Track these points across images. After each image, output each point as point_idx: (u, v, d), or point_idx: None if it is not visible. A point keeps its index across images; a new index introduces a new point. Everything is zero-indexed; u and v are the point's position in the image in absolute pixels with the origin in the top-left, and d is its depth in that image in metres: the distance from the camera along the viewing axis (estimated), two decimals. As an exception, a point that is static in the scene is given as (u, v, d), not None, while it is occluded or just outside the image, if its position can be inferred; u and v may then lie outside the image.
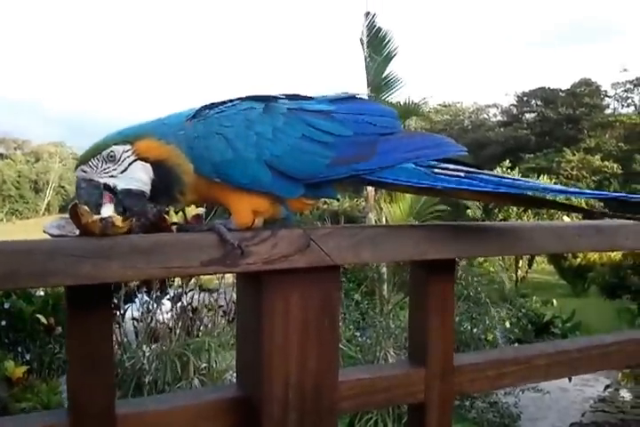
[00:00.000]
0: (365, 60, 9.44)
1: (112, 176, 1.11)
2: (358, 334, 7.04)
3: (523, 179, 1.29)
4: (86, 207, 1.04)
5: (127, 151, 1.11)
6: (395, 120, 1.26)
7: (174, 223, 1.17)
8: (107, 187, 1.11)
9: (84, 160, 1.11)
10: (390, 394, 1.32)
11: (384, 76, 9.36)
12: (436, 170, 1.23)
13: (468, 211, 21.85)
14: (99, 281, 0.99)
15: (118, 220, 1.05)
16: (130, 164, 1.11)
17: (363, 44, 9.51)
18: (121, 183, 1.11)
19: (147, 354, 5.86)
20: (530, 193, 1.28)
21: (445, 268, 1.36)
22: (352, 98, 1.28)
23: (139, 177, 1.11)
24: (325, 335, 1.20)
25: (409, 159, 1.21)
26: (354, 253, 1.19)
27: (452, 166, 1.24)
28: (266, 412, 1.15)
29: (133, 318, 6.39)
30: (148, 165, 1.12)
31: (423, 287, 1.35)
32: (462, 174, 1.22)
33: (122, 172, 1.11)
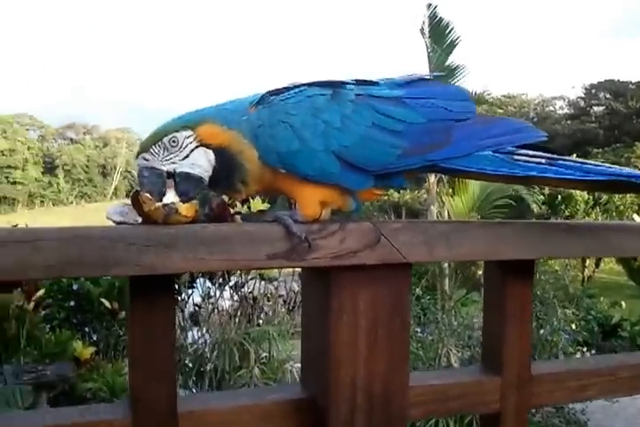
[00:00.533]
0: (427, 50, 9.25)
1: (174, 163, 1.06)
2: (419, 330, 6.91)
3: (604, 164, 1.19)
4: (148, 195, 1.00)
5: (189, 137, 1.07)
6: (470, 104, 1.18)
7: (238, 213, 1.12)
8: (169, 174, 1.06)
9: (144, 148, 1.07)
10: (463, 402, 1.24)
11: (446, 65, 9.15)
12: (516, 156, 1.14)
13: (533, 206, 21.24)
14: (160, 272, 0.95)
15: (182, 207, 1.01)
16: (192, 150, 1.07)
17: (424, 35, 9.33)
18: (182, 167, 1.06)
19: (207, 341, 5.92)
20: (620, 179, 1.17)
21: (524, 269, 1.26)
22: (422, 80, 1.19)
23: (200, 163, 1.06)
24: (396, 337, 1.13)
25: (487, 146, 1.12)
26: (427, 251, 1.11)
27: (531, 153, 1.15)
28: (332, 415, 1.09)
29: (195, 304, 6.48)
30: (210, 151, 1.07)
31: (500, 289, 1.25)
32: (544, 161, 1.14)
33: (183, 158, 1.06)
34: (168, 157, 1.06)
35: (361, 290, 1.10)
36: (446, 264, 8.14)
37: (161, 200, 1.02)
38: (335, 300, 1.08)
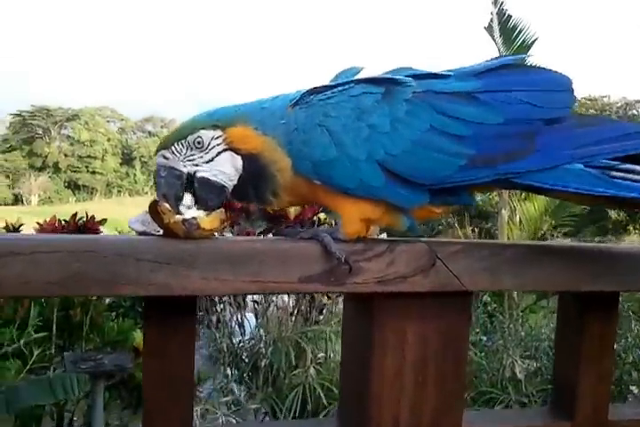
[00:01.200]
0: (499, 50, 8.84)
1: (196, 165, 0.93)
2: (485, 338, 6.62)
3: None
4: (167, 206, 0.87)
5: (217, 138, 0.93)
6: (569, 96, 0.95)
7: (270, 229, 0.98)
8: (190, 177, 0.93)
9: (165, 144, 0.93)
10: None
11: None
12: (614, 172, 0.91)
13: (611, 212, 20.23)
14: (176, 293, 0.83)
15: (204, 221, 0.88)
16: (218, 153, 0.93)
17: (493, 34, 8.92)
18: (203, 172, 0.93)
19: (264, 338, 5.87)
20: None
21: (606, 303, 1.07)
22: (505, 66, 0.96)
23: (225, 169, 0.92)
24: (449, 375, 0.97)
25: (581, 158, 0.90)
26: (491, 279, 0.94)
27: (638, 167, 0.91)
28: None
29: (253, 300, 6.44)
30: (239, 157, 0.93)
31: (576, 325, 1.07)
32: None
33: (208, 161, 0.92)
34: (190, 158, 0.93)
35: (410, 321, 0.95)
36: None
37: (178, 205, 0.90)
38: (379, 332, 0.94)
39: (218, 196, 0.93)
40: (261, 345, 6.03)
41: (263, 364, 5.88)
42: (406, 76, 0.94)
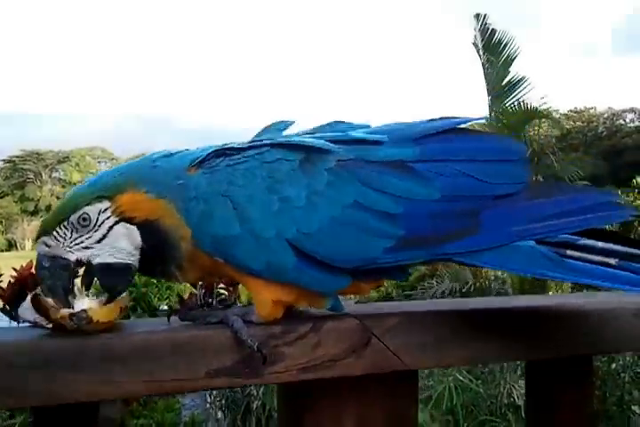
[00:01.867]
0: (483, 65, 8.83)
1: (86, 248, 0.79)
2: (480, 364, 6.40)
3: None
4: (51, 300, 0.75)
5: (105, 211, 0.79)
6: (521, 168, 0.81)
7: (171, 309, 0.84)
8: (79, 263, 0.79)
9: (46, 229, 0.79)
10: None
11: (505, 81, 8.69)
12: (570, 251, 0.78)
13: None
14: (57, 402, 0.70)
15: (98, 312, 0.75)
16: (110, 228, 0.79)
17: (478, 49, 8.93)
18: (98, 256, 0.79)
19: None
20: None
21: (579, 367, 0.94)
22: (450, 130, 0.83)
23: (122, 245, 0.79)
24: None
25: (533, 234, 0.77)
26: (436, 354, 0.81)
27: (600, 244, 0.79)
28: None
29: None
30: (134, 227, 0.79)
31: (547, 397, 0.93)
32: (613, 262, 0.77)
33: (99, 240, 0.79)
34: (78, 241, 0.79)
35: (346, 409, 0.81)
36: (509, 280, 7.52)
37: (67, 297, 0.77)
38: (312, 424, 0.80)
39: (124, 277, 0.80)
40: (252, 387, 5.87)
41: (255, 406, 5.70)
42: (335, 141, 0.81)
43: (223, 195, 0.77)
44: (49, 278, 0.77)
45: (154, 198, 0.79)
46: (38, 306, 0.75)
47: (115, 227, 0.79)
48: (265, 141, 0.82)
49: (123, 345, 0.72)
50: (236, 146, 0.82)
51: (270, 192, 0.77)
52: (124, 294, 0.80)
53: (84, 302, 0.76)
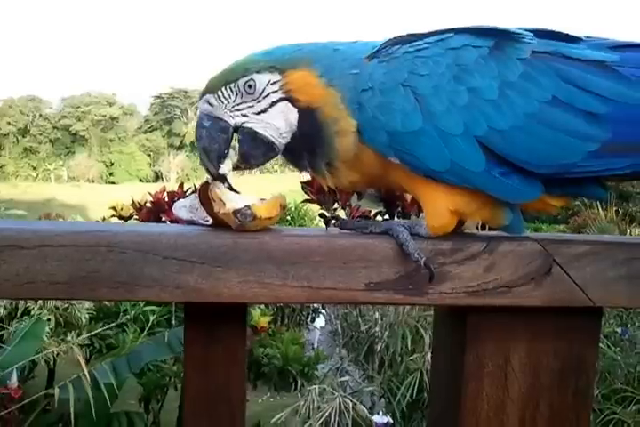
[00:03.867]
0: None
1: (244, 115, 0.74)
2: (619, 330, 6.01)
3: None
4: (219, 192, 0.71)
5: (273, 84, 0.73)
6: None
7: (333, 217, 0.78)
8: (236, 129, 0.74)
9: (212, 88, 0.74)
10: None
11: None
12: None
13: None
14: (209, 299, 0.66)
15: (260, 208, 0.70)
16: (272, 103, 0.73)
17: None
18: (250, 124, 0.74)
19: (379, 322, 5.74)
20: None
21: None
22: None
23: (277, 123, 0.73)
24: (568, 413, 0.74)
25: None
26: (629, 291, 0.69)
27: None
28: None
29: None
30: (295, 109, 0.73)
31: None
32: None
33: (259, 113, 0.74)
34: (239, 107, 0.74)
35: (515, 344, 0.72)
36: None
37: (220, 164, 0.73)
38: (473, 355, 0.72)
39: (264, 154, 0.75)
40: (377, 329, 5.92)
41: (379, 347, 5.77)
42: (521, 31, 0.71)
43: (403, 85, 0.68)
44: (206, 139, 0.74)
45: (324, 85, 0.72)
46: (205, 196, 0.71)
47: (278, 104, 0.73)
48: (447, 28, 0.72)
49: (279, 245, 0.67)
50: (414, 33, 0.73)
51: (457, 82, 0.68)
52: (281, 194, 0.74)
53: (245, 200, 0.72)
